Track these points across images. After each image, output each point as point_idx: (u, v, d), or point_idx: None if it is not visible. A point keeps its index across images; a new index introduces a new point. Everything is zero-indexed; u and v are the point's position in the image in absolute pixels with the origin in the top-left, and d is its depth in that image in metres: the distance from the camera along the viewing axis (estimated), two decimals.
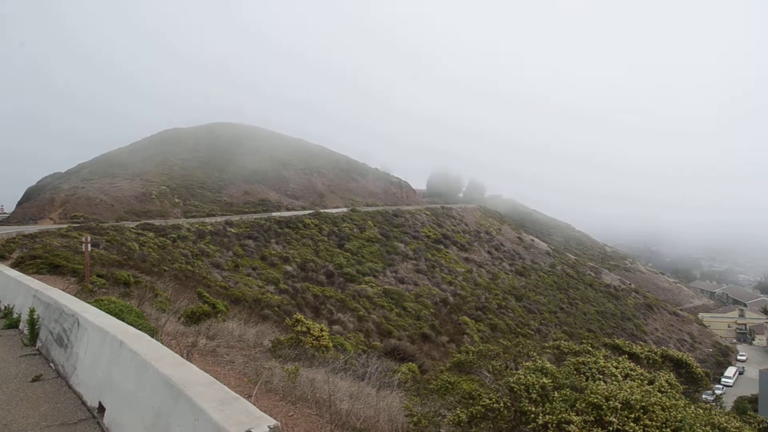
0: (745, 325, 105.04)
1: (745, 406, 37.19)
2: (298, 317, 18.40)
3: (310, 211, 75.56)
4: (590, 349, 9.58)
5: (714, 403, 9.35)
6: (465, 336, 49.86)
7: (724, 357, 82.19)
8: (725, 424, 6.20)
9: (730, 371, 72.50)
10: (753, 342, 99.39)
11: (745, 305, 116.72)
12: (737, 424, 6.27)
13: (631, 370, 8.20)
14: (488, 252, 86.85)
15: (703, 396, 12.40)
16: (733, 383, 67.51)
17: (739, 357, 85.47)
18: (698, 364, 10.80)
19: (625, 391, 6.33)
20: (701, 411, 6.41)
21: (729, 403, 42.36)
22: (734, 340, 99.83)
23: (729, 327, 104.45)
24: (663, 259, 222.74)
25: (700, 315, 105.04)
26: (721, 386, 63.36)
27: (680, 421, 5.87)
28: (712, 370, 65.42)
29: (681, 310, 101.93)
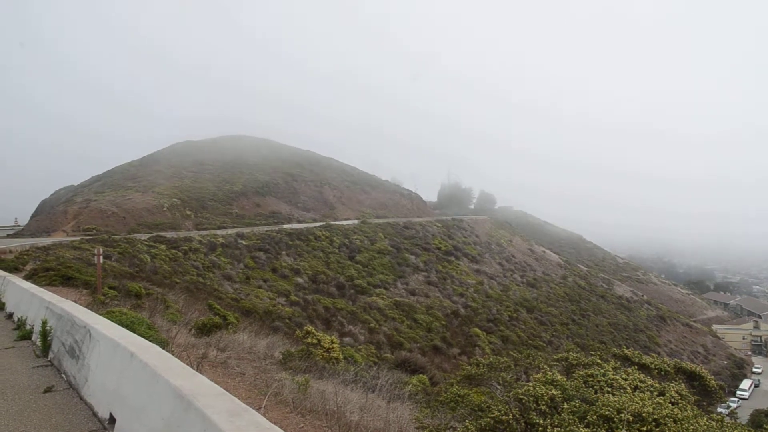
0: (761, 336, 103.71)
1: (762, 420, 36.57)
2: (309, 329, 18.44)
3: (321, 223, 75.56)
4: (599, 361, 9.51)
5: (728, 416, 9.25)
6: (476, 348, 49.63)
7: (738, 369, 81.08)
8: None
9: (746, 384, 71.55)
10: None
11: (759, 317, 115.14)
12: None
13: (640, 381, 8.13)
14: (499, 264, 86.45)
15: (718, 409, 12.24)
16: (749, 396, 66.63)
17: (754, 369, 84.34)
18: (712, 377, 10.69)
19: (637, 403, 6.28)
20: (714, 423, 6.33)
21: (744, 416, 41.81)
22: (749, 352, 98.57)
23: (744, 339, 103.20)
24: (676, 271, 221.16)
25: (714, 327, 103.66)
26: (736, 399, 62.59)
27: None
28: (726, 383, 64.64)
29: (694, 321, 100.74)
